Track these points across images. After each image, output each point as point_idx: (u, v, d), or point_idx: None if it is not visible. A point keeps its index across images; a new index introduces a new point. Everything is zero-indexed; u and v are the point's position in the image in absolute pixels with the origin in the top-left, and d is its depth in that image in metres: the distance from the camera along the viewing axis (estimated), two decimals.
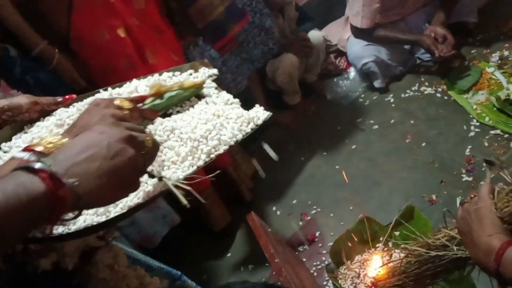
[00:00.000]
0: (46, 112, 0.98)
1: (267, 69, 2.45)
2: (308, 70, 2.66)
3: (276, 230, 1.98)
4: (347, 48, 2.60)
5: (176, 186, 0.75)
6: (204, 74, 1.14)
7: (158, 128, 0.96)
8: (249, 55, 2.31)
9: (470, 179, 1.91)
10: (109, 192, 0.60)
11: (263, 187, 2.31)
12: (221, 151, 0.91)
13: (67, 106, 1.00)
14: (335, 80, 2.72)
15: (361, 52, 2.47)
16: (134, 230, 1.91)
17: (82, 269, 0.88)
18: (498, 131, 2.03)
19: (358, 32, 2.48)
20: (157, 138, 0.94)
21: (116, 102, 0.84)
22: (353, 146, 2.32)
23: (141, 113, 0.94)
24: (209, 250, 2.09)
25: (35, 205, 0.51)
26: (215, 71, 1.15)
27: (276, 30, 2.41)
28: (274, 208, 2.20)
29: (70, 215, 0.58)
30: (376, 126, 2.37)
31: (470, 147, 2.03)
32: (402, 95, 2.45)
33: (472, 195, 0.97)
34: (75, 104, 1.02)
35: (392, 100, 2.46)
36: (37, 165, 0.54)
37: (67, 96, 1.00)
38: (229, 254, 2.07)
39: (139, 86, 1.09)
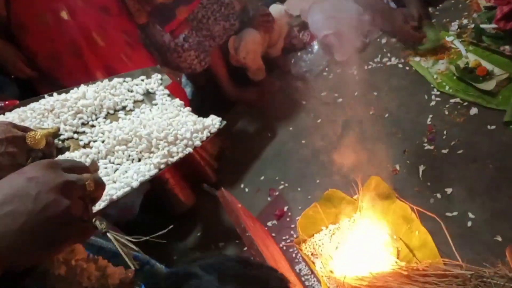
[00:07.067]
0: None
1: (229, 46, 2.41)
2: (271, 45, 2.63)
3: (245, 207, 1.99)
4: (308, 18, 2.59)
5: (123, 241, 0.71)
6: (157, 80, 1.13)
7: (111, 134, 0.96)
8: (210, 31, 2.26)
9: (432, 147, 1.95)
10: (36, 251, 0.52)
11: (230, 165, 2.31)
12: (177, 158, 0.92)
13: (9, 111, 0.96)
14: (299, 54, 2.71)
15: (322, 23, 2.46)
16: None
17: (34, 269, 0.84)
18: (458, 100, 2.07)
19: None
20: (109, 144, 0.93)
21: (29, 141, 0.75)
22: (319, 121, 2.33)
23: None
24: (176, 232, 2.07)
25: None
26: (168, 78, 1.14)
27: (236, 5, 2.36)
28: (242, 186, 2.20)
29: None
30: (340, 100, 2.38)
31: (431, 116, 2.06)
32: (365, 67, 2.46)
33: None
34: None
35: (355, 72, 2.47)
36: None
37: (7, 102, 0.95)
38: (198, 234, 2.07)
39: (87, 92, 1.06)
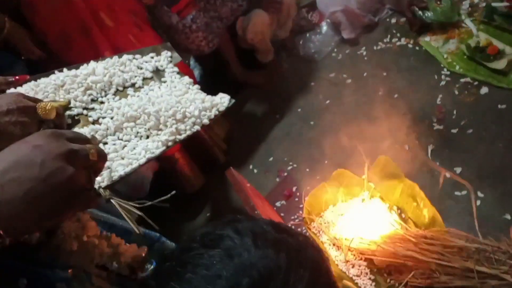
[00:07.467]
0: None
1: (237, 27, 2.39)
2: (280, 27, 2.61)
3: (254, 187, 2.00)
4: None
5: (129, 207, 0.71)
6: (166, 58, 1.13)
7: (120, 111, 0.97)
8: (218, 12, 2.25)
9: (441, 127, 1.95)
10: (41, 217, 0.53)
11: (238, 147, 2.32)
12: (185, 136, 0.93)
13: (20, 85, 0.97)
14: (307, 35, 2.68)
15: (330, 0, 2.44)
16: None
17: (48, 243, 0.85)
18: (468, 79, 2.05)
19: None
20: (118, 121, 0.94)
21: (40, 111, 0.76)
22: (327, 102, 2.32)
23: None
24: (185, 212, 2.10)
25: None
26: (177, 56, 1.14)
27: None
28: (251, 167, 2.21)
29: None
30: (349, 80, 2.37)
31: (441, 96, 2.05)
32: (374, 48, 2.44)
33: None
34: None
35: (364, 53, 2.45)
36: None
37: (17, 77, 0.96)
38: (208, 214, 2.09)
39: (97, 69, 1.06)
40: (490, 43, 2.04)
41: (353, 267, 1.53)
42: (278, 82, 2.54)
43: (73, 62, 1.48)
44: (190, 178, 2.07)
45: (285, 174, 2.10)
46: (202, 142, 2.10)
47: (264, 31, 2.43)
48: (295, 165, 2.12)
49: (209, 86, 2.65)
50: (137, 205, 0.67)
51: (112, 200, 0.65)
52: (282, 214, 1.94)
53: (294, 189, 2.01)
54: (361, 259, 1.54)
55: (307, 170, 2.07)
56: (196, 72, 2.69)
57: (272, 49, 2.56)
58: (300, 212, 1.90)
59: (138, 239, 1.44)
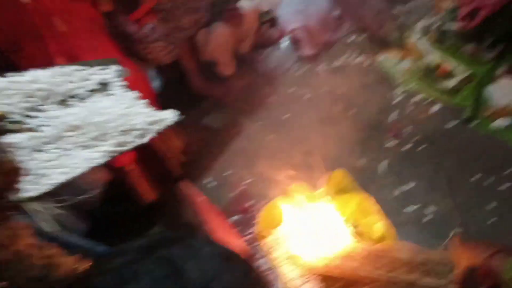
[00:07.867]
0: None
1: (198, 39, 2.39)
2: (241, 41, 2.62)
3: (211, 201, 1.97)
4: (278, 11, 2.61)
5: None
6: (114, 72, 1.11)
7: (62, 120, 0.94)
8: (178, 23, 2.23)
9: (396, 143, 1.99)
10: None
11: (197, 159, 2.28)
12: (128, 148, 0.91)
13: None
14: (268, 50, 2.71)
15: (290, 17, 2.48)
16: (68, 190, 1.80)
17: None
18: (422, 97, 2.12)
19: None
20: (59, 129, 0.91)
21: None
22: (286, 116, 2.34)
23: None
24: (138, 225, 2.03)
25: None
26: (126, 70, 1.12)
27: None
28: (207, 180, 2.18)
29: None
30: (308, 95, 2.40)
31: (395, 112, 2.10)
32: (334, 64, 2.49)
33: None
34: None
35: (323, 69, 2.50)
36: None
37: None
38: (162, 228, 2.04)
39: (41, 77, 1.03)
40: (442, 63, 2.12)
41: (305, 283, 1.52)
42: (238, 95, 2.54)
43: (24, 66, 1.42)
44: (142, 190, 2.01)
45: (243, 187, 2.08)
46: (158, 155, 2.05)
47: (225, 44, 2.43)
48: (252, 179, 2.10)
49: (169, 97, 2.63)
50: (57, 205, 0.64)
51: (22, 205, 0.62)
52: (238, 228, 1.91)
53: (251, 203, 1.99)
54: (314, 274, 1.53)
55: (264, 184, 2.05)
56: (156, 83, 2.65)
57: (233, 63, 2.56)
58: (256, 227, 1.88)
59: (81, 253, 1.38)
